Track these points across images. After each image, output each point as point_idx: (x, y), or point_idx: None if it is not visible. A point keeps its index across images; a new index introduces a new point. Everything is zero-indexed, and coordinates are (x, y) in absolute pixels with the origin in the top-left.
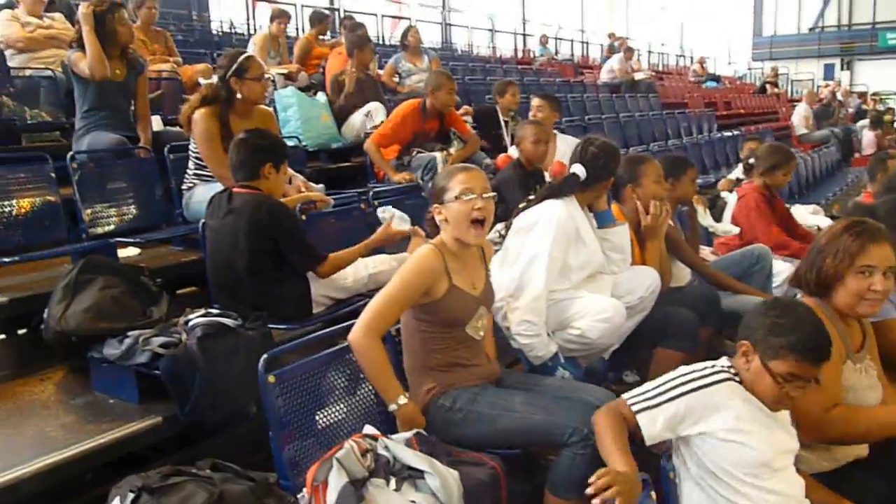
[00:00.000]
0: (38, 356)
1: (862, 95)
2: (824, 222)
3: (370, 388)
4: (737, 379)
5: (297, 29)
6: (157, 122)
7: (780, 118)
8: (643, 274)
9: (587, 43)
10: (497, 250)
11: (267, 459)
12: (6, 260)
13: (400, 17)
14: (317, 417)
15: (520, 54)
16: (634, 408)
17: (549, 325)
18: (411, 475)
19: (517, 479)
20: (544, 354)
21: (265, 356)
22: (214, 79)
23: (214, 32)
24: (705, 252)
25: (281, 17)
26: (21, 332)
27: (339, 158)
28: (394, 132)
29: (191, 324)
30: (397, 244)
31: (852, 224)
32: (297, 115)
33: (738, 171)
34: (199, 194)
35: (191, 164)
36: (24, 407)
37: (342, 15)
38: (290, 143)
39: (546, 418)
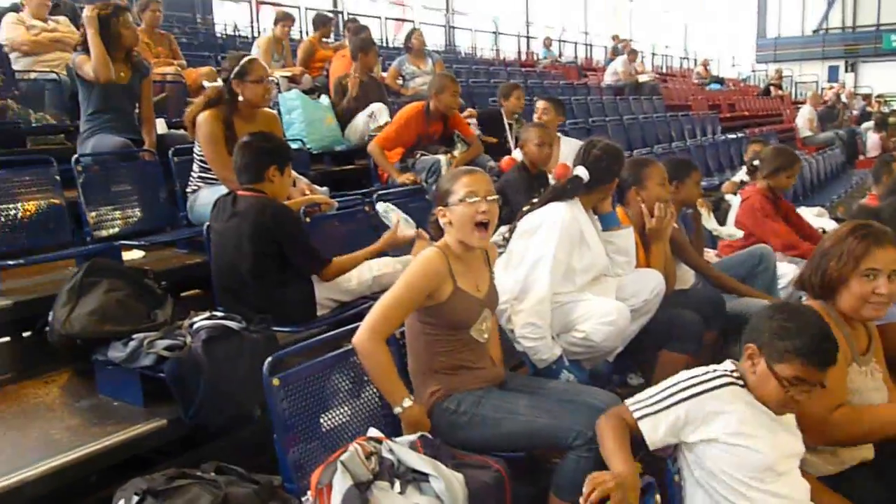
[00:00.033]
0: (42, 359)
1: (866, 97)
2: (829, 225)
3: (374, 390)
4: (739, 383)
5: (300, 32)
6: (161, 125)
7: (784, 120)
8: (648, 276)
9: (591, 45)
10: (501, 253)
11: (271, 462)
12: (11, 263)
13: (403, 20)
14: (321, 420)
15: (523, 57)
16: (636, 414)
17: (553, 328)
18: (416, 478)
19: (521, 482)
20: (549, 357)
21: (269, 359)
22: (219, 82)
23: (218, 35)
24: (710, 255)
25: (285, 20)
26: (26, 334)
27: (343, 161)
28: (397, 135)
29: (195, 327)
30: (401, 247)
31: (857, 227)
32: (300, 118)
33: (742, 174)
34: (204, 197)
35: (195, 167)
36: (28, 409)
37: (346, 17)
38: (294, 145)
39: (550, 421)
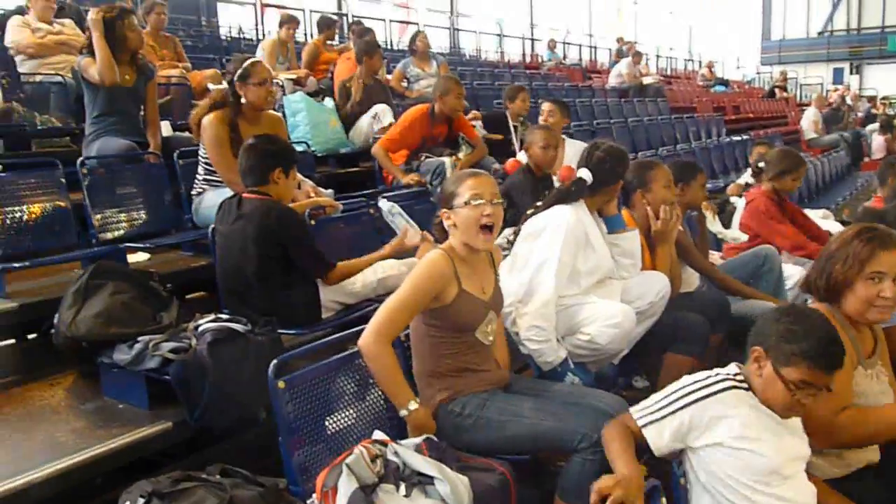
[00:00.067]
0: (48, 361)
1: (871, 99)
2: (834, 227)
3: (379, 393)
4: (743, 386)
5: (305, 34)
6: (166, 128)
7: (789, 122)
8: (653, 279)
9: (595, 47)
10: (505, 256)
11: (276, 465)
12: (17, 265)
13: (408, 22)
14: (326, 423)
15: (528, 59)
16: (640, 422)
17: (558, 331)
18: (421, 481)
19: (526, 485)
20: (554, 360)
21: (275, 361)
22: (224, 84)
23: (223, 38)
24: (714, 257)
25: (290, 22)
26: (31, 336)
27: (348, 163)
28: (402, 137)
29: (200, 329)
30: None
31: (863, 230)
32: (305, 121)
33: (746, 176)
34: (209, 199)
35: (200, 170)
36: (34, 412)
37: (350, 20)
38: (299, 148)
39: (556, 424)
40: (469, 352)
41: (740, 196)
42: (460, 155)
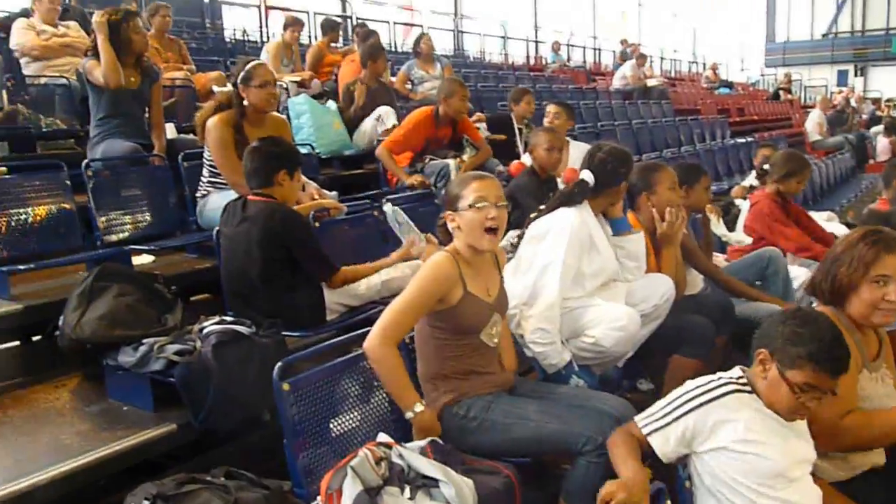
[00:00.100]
0: (53, 363)
1: (876, 101)
2: (839, 229)
3: (384, 395)
4: (746, 389)
5: (309, 37)
6: (170, 130)
7: (793, 124)
8: (658, 281)
9: (599, 49)
10: (510, 258)
11: (281, 467)
12: (22, 267)
13: (412, 25)
14: (331, 425)
15: (532, 61)
16: (645, 430)
17: (563, 334)
18: (426, 484)
19: (531, 488)
20: (558, 362)
21: (280, 364)
22: (228, 87)
23: (227, 40)
24: (719, 259)
25: (294, 25)
26: (36, 339)
27: (352, 165)
28: (406, 139)
29: (205, 331)
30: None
31: (868, 233)
32: (309, 123)
33: (751, 178)
34: (214, 202)
35: (205, 172)
36: (39, 414)
37: (355, 22)
38: (303, 150)
39: (560, 427)
40: (474, 354)
41: (744, 198)
42: (464, 157)
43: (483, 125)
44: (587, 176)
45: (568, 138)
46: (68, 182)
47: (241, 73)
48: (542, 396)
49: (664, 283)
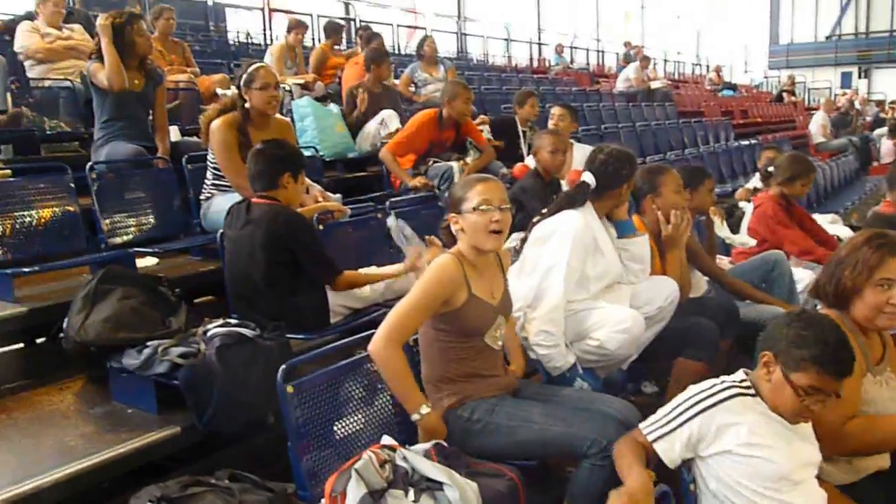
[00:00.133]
0: (57, 366)
1: (880, 104)
2: (843, 232)
3: (388, 398)
4: (749, 393)
5: (313, 39)
6: (174, 133)
7: (797, 127)
8: (662, 284)
9: (603, 52)
10: (514, 262)
11: (285, 470)
12: (26, 270)
13: (415, 27)
14: (335, 428)
15: (535, 63)
16: (650, 437)
17: (567, 336)
18: (430, 486)
19: (535, 491)
20: (562, 365)
21: (284, 366)
22: (233, 89)
23: (231, 43)
24: (723, 262)
25: (298, 27)
26: (40, 341)
27: (356, 168)
28: (409, 141)
29: (209, 334)
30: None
31: (873, 236)
32: (313, 125)
33: (755, 181)
34: (217, 204)
35: (209, 175)
36: (43, 416)
37: (358, 25)
38: (307, 152)
39: (565, 430)
40: (478, 357)
41: (748, 201)
42: (468, 159)
43: (486, 127)
44: (588, 178)
45: (572, 140)
46: (72, 184)
47: (244, 76)
48: (547, 399)
49: (668, 285)
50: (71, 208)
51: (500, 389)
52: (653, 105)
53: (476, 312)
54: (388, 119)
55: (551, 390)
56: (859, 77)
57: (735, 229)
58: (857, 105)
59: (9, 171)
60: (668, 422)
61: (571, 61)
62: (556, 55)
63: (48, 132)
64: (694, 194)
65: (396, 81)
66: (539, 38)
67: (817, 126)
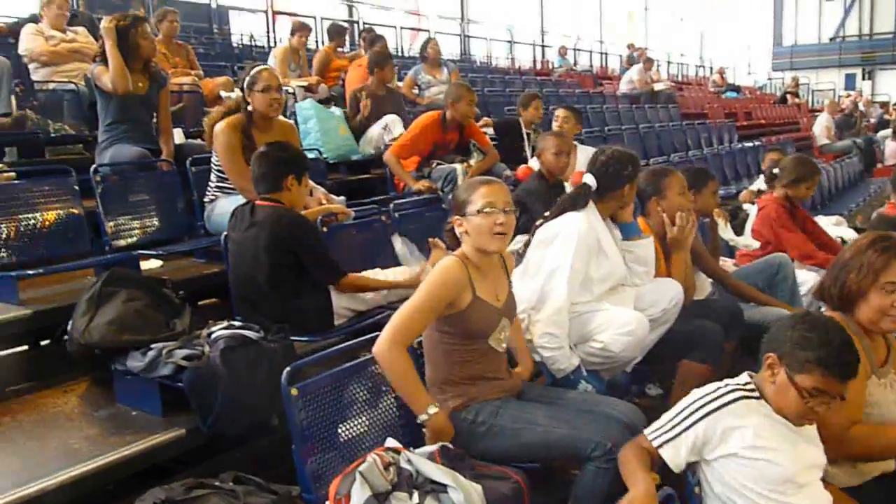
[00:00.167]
0: (61, 368)
1: (884, 105)
2: (848, 233)
3: (392, 400)
4: (754, 395)
5: (316, 41)
6: (178, 135)
7: (801, 128)
8: (666, 286)
9: (606, 53)
10: (518, 263)
11: (290, 472)
12: (30, 272)
13: (419, 30)
14: (339, 430)
15: (538, 65)
16: (655, 443)
17: (571, 338)
18: (434, 489)
19: (539, 493)
20: (566, 367)
21: (288, 369)
22: (237, 92)
23: (235, 45)
24: (727, 264)
25: (302, 30)
26: (44, 343)
27: (359, 170)
28: (413, 143)
29: (213, 336)
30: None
31: (878, 239)
32: (316, 128)
33: (759, 183)
34: (221, 207)
35: (213, 177)
36: (47, 419)
37: (361, 27)
38: (310, 155)
39: (569, 432)
40: (482, 359)
41: (752, 203)
42: (471, 161)
43: (490, 130)
44: (589, 179)
45: (575, 143)
46: (77, 187)
47: (246, 79)
48: (551, 402)
49: (673, 287)
50: (75, 211)
51: (504, 392)
52: (656, 107)
53: (480, 315)
54: (391, 124)
55: (555, 393)
56: (863, 79)
57: (739, 231)
58: (861, 107)
59: (13, 174)
60: (673, 427)
61: (575, 63)
62: (559, 57)
63: (52, 135)
64: (698, 196)
65: (400, 84)
66: (542, 40)
67: (821, 128)
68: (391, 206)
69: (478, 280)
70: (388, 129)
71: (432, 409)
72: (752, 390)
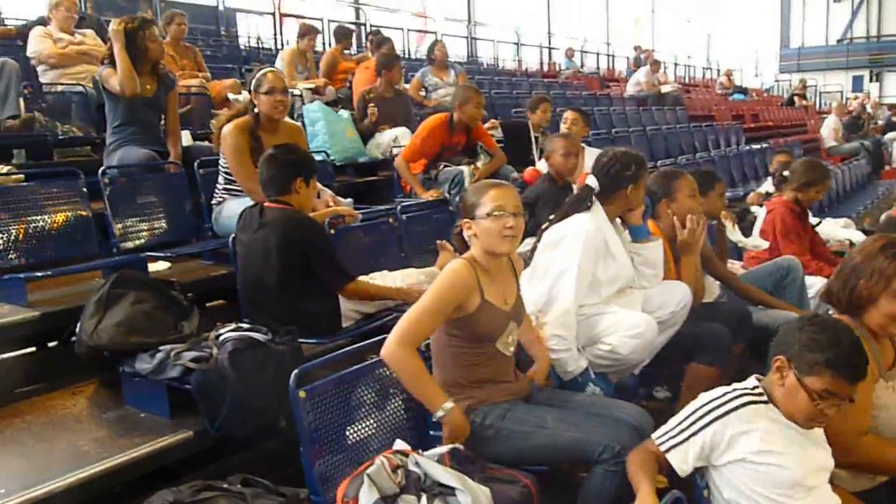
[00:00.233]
0: (70, 370)
1: (892, 107)
2: (856, 235)
3: (400, 403)
4: (762, 400)
5: (323, 44)
6: (186, 137)
7: (808, 130)
8: (674, 288)
9: (613, 56)
10: (526, 266)
11: (297, 474)
12: (39, 274)
13: (426, 32)
14: (347, 432)
15: (545, 67)
16: (663, 447)
17: (579, 341)
18: (442, 492)
19: (547, 496)
20: (574, 370)
21: (296, 371)
22: (245, 94)
23: (242, 48)
24: (735, 266)
25: (310, 33)
26: (53, 345)
27: (366, 172)
28: (422, 146)
29: (221, 338)
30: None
31: (889, 245)
32: (324, 130)
33: (767, 185)
34: (229, 209)
35: (220, 179)
36: (56, 420)
37: (368, 29)
38: (318, 157)
39: (577, 435)
40: (490, 363)
41: (760, 205)
42: (479, 164)
43: (498, 132)
44: (591, 181)
45: (583, 145)
46: (85, 189)
47: (253, 82)
48: (559, 405)
49: (681, 289)
50: (83, 213)
51: (511, 395)
52: (663, 109)
53: (488, 318)
54: (401, 137)
55: (564, 395)
56: (871, 80)
57: (746, 234)
58: (869, 109)
59: (22, 176)
60: (681, 432)
61: (582, 65)
62: (566, 59)
63: (60, 137)
64: (705, 199)
65: (407, 86)
66: (549, 43)
67: (829, 130)
68: (398, 208)
69: (486, 283)
70: (398, 141)
71: (448, 405)
72: (759, 394)
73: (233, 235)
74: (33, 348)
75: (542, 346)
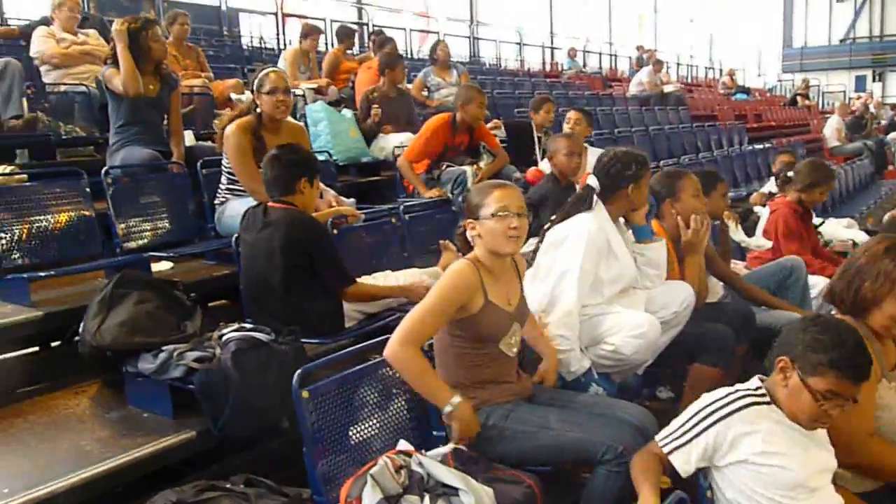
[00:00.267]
0: (72, 370)
1: (895, 107)
2: (859, 236)
3: (403, 403)
4: (764, 401)
5: (326, 44)
6: (189, 137)
7: (811, 130)
8: (677, 289)
9: (615, 55)
10: (529, 266)
11: (300, 475)
12: (42, 274)
13: (428, 32)
14: (350, 433)
15: (548, 67)
16: (665, 449)
17: (582, 341)
18: (445, 492)
19: (550, 497)
20: (577, 370)
21: (299, 371)
22: (248, 94)
23: (245, 48)
24: (738, 266)
25: (313, 33)
26: (56, 345)
27: (369, 172)
28: (425, 146)
29: (224, 338)
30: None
31: (893, 246)
32: (326, 130)
33: (770, 185)
34: (232, 209)
35: (223, 179)
36: (59, 420)
37: (371, 29)
38: (320, 157)
39: (581, 435)
40: (493, 363)
41: (763, 205)
42: (481, 164)
43: (501, 132)
44: (591, 181)
45: (585, 144)
46: (88, 189)
47: (256, 81)
48: (562, 405)
49: (684, 290)
50: (86, 213)
51: (514, 395)
52: (666, 109)
53: (491, 319)
54: (406, 142)
55: (567, 396)
56: (874, 80)
57: (749, 234)
58: (872, 109)
59: (25, 176)
60: (684, 433)
61: (584, 65)
62: (568, 59)
63: (63, 137)
64: (707, 199)
65: (409, 86)
66: (552, 43)
67: (832, 130)
68: (401, 208)
69: (490, 284)
70: (402, 145)
71: (456, 399)
72: (762, 395)
73: (236, 235)
74: (36, 348)
75: (548, 343)
